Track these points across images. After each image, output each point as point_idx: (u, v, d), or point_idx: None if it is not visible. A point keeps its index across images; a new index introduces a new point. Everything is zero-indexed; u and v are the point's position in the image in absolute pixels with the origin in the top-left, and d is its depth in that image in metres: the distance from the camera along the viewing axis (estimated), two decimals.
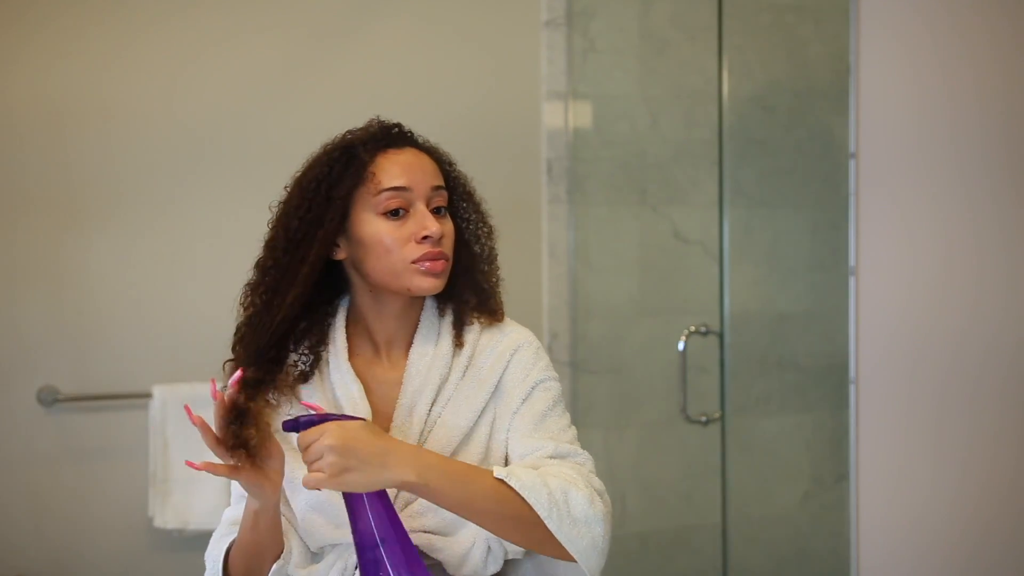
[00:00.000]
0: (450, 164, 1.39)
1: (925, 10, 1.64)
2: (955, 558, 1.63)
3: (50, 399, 2.12)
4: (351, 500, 1.13)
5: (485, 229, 1.40)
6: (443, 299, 1.39)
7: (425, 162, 1.33)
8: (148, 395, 2.16)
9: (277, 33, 2.27)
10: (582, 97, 2.54)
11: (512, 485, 1.17)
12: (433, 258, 1.28)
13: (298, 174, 1.34)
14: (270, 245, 1.32)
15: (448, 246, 1.31)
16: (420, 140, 1.38)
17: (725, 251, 2.38)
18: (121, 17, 2.17)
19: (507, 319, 1.41)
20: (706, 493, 2.59)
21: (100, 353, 2.16)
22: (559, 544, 1.18)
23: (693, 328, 2.48)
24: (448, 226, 1.33)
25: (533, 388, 1.33)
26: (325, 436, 1.09)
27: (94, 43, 2.15)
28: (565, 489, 1.19)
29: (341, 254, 1.32)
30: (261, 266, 1.31)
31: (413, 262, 1.27)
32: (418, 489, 1.13)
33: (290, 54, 2.28)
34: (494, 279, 1.40)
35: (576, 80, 2.51)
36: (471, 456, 1.30)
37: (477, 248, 1.39)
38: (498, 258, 1.42)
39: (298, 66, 2.28)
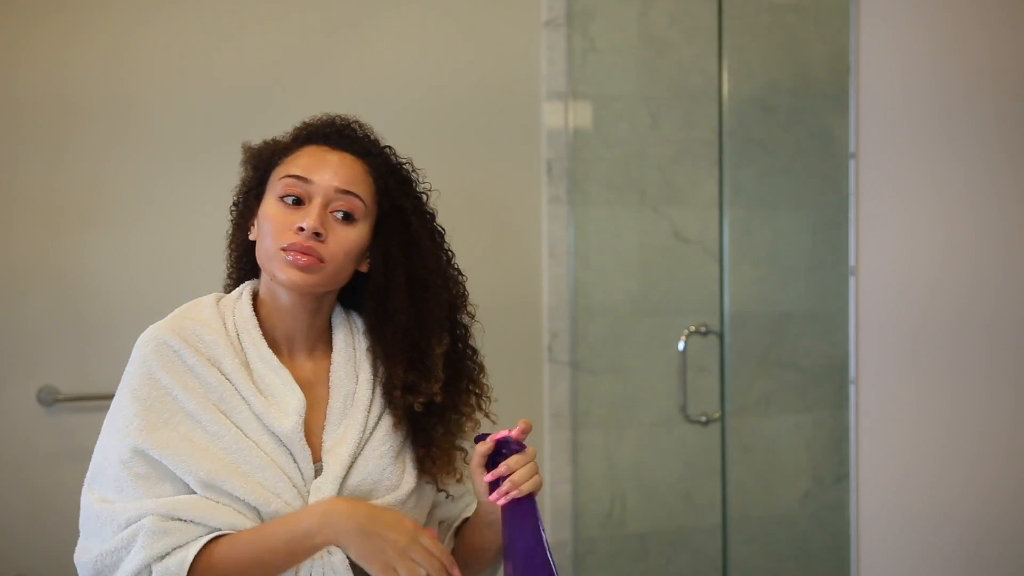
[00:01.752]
0: (398, 179, 1.33)
1: (925, 10, 1.64)
2: (956, 558, 1.63)
3: (50, 399, 2.12)
4: (529, 506, 1.25)
5: (417, 252, 1.33)
6: (351, 310, 1.39)
7: (347, 165, 1.28)
8: None
9: (276, 33, 2.27)
10: (582, 97, 2.54)
11: None
12: (299, 250, 1.22)
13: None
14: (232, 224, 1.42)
15: (333, 252, 1.25)
16: (362, 147, 1.33)
17: (725, 251, 2.38)
18: (122, 16, 2.17)
19: None
20: (706, 493, 2.59)
21: (100, 353, 2.16)
22: None
23: (693, 328, 2.48)
24: (343, 234, 1.26)
25: None
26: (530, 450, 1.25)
27: (94, 42, 2.15)
28: None
29: (253, 234, 1.32)
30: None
31: (283, 249, 1.23)
32: None
33: (289, 54, 2.28)
34: (406, 302, 1.32)
35: (576, 80, 2.51)
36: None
37: (401, 270, 1.32)
38: (441, 278, 1.36)
39: (297, 65, 2.28)
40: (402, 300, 1.32)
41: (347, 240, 1.27)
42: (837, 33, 1.88)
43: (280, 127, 1.44)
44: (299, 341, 1.33)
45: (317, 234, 1.24)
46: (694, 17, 2.59)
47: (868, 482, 1.72)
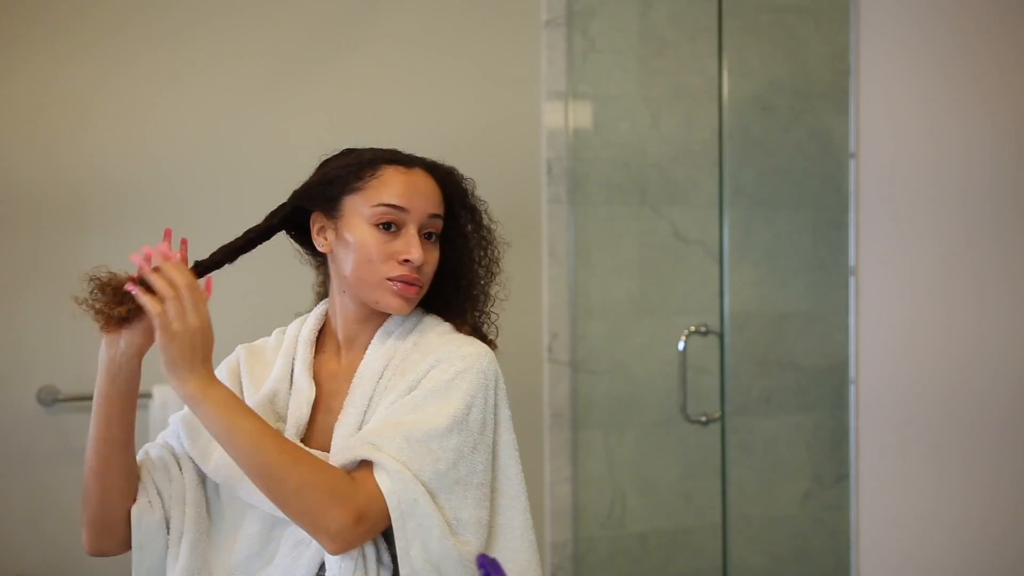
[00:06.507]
0: (463, 191, 1.39)
1: (925, 10, 1.64)
2: (956, 558, 1.64)
3: (50, 399, 2.12)
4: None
5: (486, 256, 1.41)
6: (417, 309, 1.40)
7: (430, 187, 1.34)
8: (148, 395, 2.15)
9: (278, 33, 2.27)
10: (582, 97, 2.54)
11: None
12: (408, 282, 1.29)
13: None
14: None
15: (427, 274, 1.33)
16: (434, 162, 1.38)
17: (725, 251, 2.38)
18: (126, 24, 2.17)
19: (472, 339, 1.35)
20: (706, 493, 2.59)
21: None
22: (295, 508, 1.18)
23: (693, 328, 2.48)
24: (433, 255, 1.34)
25: (425, 391, 1.27)
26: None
27: (98, 48, 2.15)
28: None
29: (327, 247, 1.35)
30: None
31: (388, 279, 1.29)
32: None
33: (291, 55, 2.28)
34: (480, 303, 1.41)
35: (576, 80, 2.51)
36: None
37: (474, 270, 1.40)
38: (494, 286, 1.43)
39: (298, 66, 2.28)
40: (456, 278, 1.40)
41: (435, 260, 1.34)
42: (837, 33, 1.88)
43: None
44: (362, 338, 1.38)
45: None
46: (694, 17, 2.59)
47: (868, 482, 1.72)
